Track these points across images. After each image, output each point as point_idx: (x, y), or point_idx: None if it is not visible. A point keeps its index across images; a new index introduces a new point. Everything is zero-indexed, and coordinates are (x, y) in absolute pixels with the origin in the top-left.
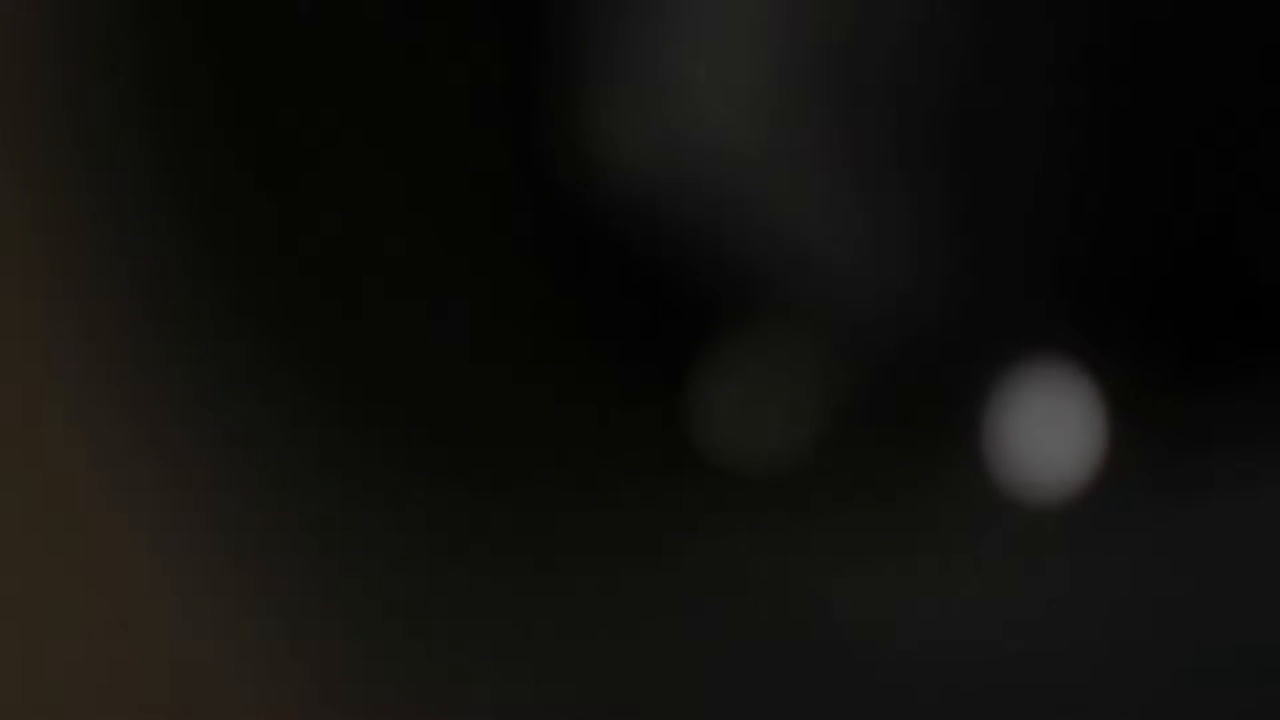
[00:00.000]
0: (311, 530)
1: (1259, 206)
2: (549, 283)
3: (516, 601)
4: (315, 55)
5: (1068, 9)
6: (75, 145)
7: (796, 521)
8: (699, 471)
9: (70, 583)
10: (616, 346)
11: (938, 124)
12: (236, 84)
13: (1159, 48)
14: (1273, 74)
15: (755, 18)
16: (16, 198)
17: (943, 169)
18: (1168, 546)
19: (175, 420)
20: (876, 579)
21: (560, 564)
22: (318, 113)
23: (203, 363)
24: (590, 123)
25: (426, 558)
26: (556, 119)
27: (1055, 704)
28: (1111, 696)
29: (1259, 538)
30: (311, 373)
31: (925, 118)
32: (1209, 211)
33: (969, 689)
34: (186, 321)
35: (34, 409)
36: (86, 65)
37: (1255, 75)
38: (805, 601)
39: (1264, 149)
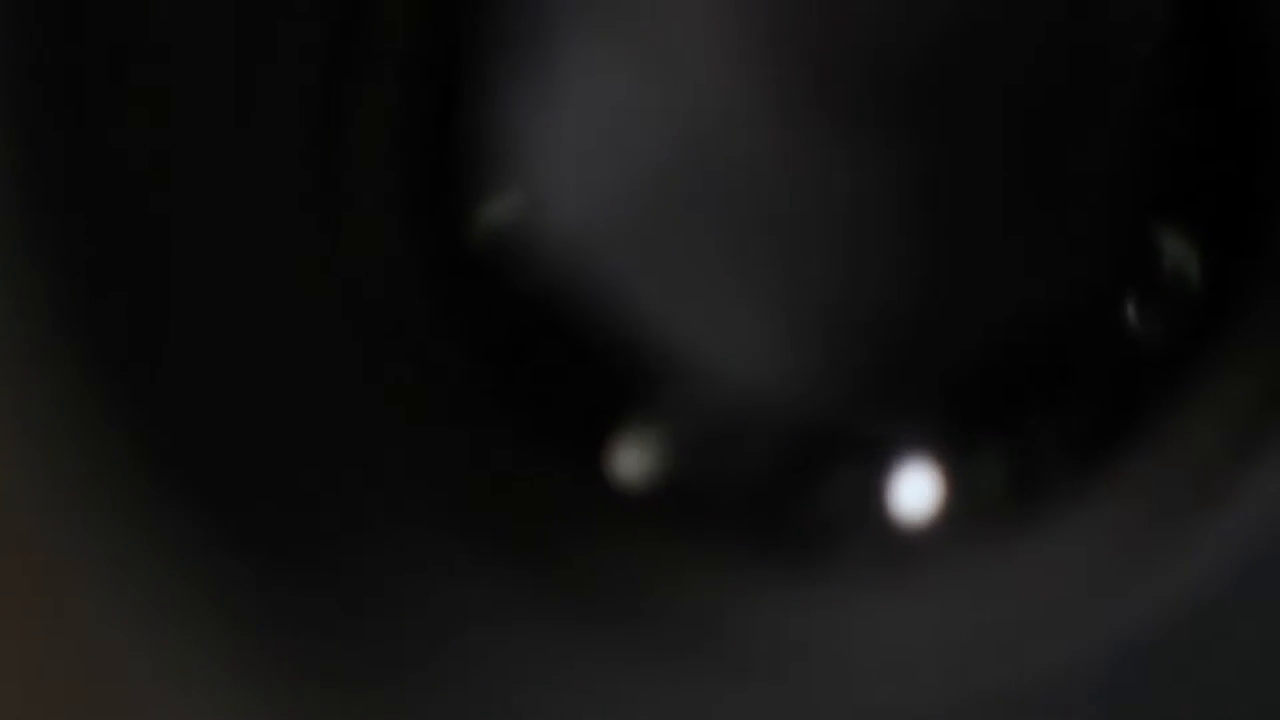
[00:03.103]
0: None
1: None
2: (455, 330)
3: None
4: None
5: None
6: None
7: (691, 544)
8: (604, 500)
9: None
10: (526, 386)
11: (801, 225)
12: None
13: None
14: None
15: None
16: None
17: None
18: (1006, 573)
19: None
20: (764, 596)
21: (473, 608)
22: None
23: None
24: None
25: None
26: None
27: (930, 710)
28: (973, 704)
29: (1081, 564)
30: (229, 437)
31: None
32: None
33: (852, 697)
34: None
35: None
36: None
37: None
38: (699, 619)
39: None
